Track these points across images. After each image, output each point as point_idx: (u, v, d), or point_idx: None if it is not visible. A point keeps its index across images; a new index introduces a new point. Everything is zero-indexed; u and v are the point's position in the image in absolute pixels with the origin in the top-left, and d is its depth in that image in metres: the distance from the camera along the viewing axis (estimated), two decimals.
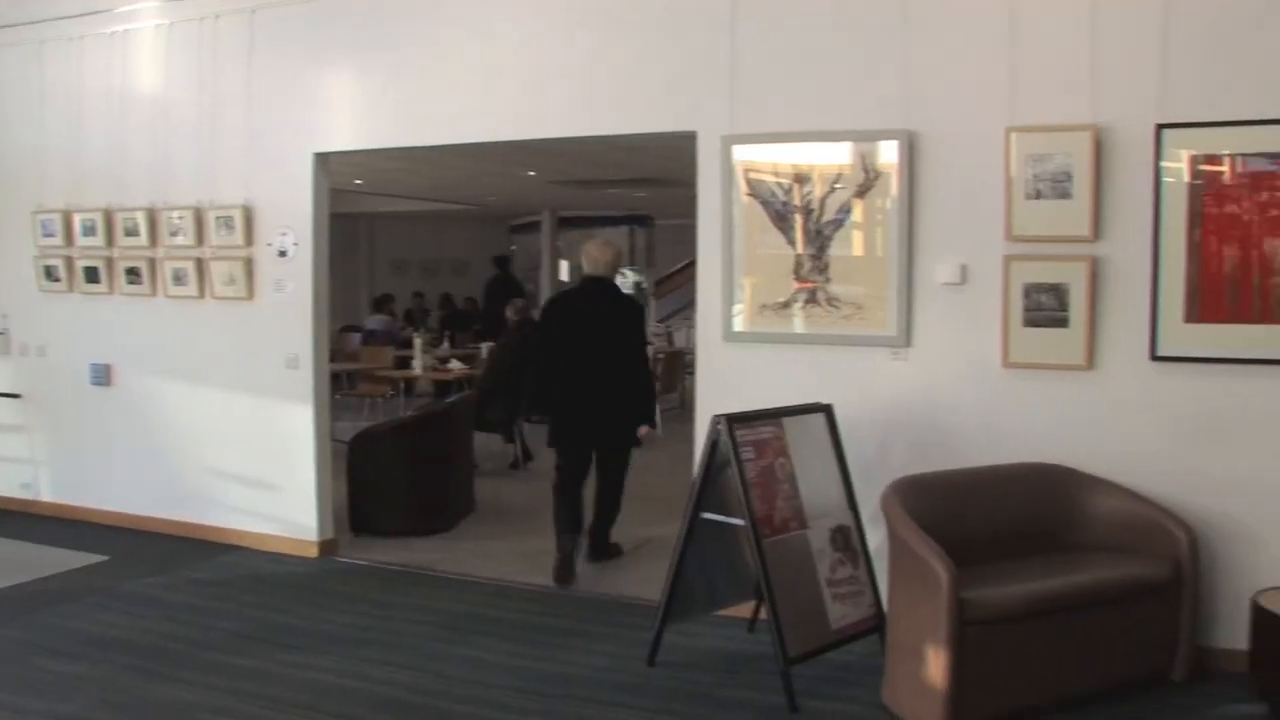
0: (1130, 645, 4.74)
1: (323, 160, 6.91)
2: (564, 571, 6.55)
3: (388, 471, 7.70)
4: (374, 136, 6.87)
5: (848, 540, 5.08)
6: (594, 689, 4.87)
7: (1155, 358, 5.10)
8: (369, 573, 6.76)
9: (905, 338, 5.45)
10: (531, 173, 13.35)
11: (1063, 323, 5.19)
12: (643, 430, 6.72)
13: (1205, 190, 5.02)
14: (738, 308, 5.74)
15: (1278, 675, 4.59)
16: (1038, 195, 5.19)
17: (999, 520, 4.97)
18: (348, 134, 6.87)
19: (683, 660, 5.17)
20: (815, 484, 5.05)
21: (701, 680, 4.97)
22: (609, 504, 6.92)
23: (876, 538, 5.08)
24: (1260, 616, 4.66)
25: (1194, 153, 5.02)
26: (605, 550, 6.97)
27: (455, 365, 11.88)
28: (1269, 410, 5.04)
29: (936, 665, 4.28)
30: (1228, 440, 5.10)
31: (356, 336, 15.88)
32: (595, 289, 6.78)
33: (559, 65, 6.16)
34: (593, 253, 6.83)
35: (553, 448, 6.86)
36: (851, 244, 5.55)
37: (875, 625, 5.06)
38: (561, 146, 8.93)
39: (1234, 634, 4.96)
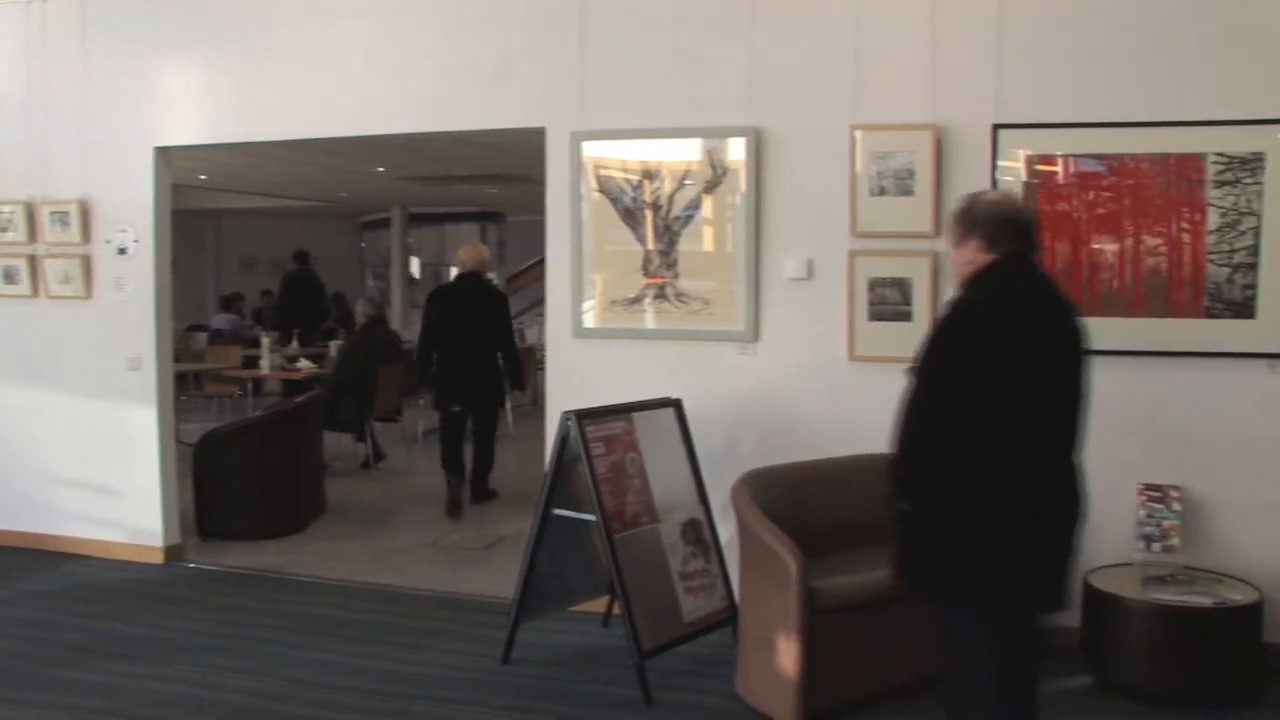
0: None
1: (164, 154, 6.71)
2: (453, 508, 8.17)
3: (236, 473, 7.53)
4: (217, 131, 6.69)
5: (699, 533, 5.13)
6: (448, 688, 4.84)
7: None
8: (217, 578, 6.59)
9: (753, 332, 5.52)
10: (380, 169, 13.17)
11: (906, 316, 5.32)
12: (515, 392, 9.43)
13: (1039, 189, 5.21)
14: (587, 304, 5.75)
15: (1104, 649, 4.84)
16: (881, 192, 5.32)
17: (847, 510, 5.06)
18: (190, 128, 6.67)
19: (537, 657, 5.17)
20: (666, 478, 5.09)
21: (556, 676, 4.98)
22: (484, 456, 8.53)
23: (727, 530, 5.14)
24: (1090, 594, 4.89)
25: (1029, 153, 5.22)
26: (484, 493, 8.49)
27: (304, 364, 11.65)
28: (1097, 398, 5.21)
29: (787, 654, 4.35)
30: None
31: (203, 336, 15.45)
32: (467, 283, 8.37)
33: (407, 60, 6.09)
34: (464, 254, 8.55)
35: (438, 408, 8.45)
36: (701, 240, 5.61)
37: (727, 617, 5.13)
38: (410, 142, 8.87)
39: (1068, 613, 5.13)
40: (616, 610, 5.04)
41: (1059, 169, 5.22)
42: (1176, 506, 5.12)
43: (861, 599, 4.46)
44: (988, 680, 3.23)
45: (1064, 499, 3.24)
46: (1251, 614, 4.71)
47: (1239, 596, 4.74)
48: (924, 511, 3.18)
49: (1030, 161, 5.22)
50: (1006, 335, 3.09)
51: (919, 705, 4.60)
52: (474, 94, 5.97)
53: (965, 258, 3.29)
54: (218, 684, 4.89)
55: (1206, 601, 4.68)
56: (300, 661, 5.15)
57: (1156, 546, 5.09)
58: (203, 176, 13.63)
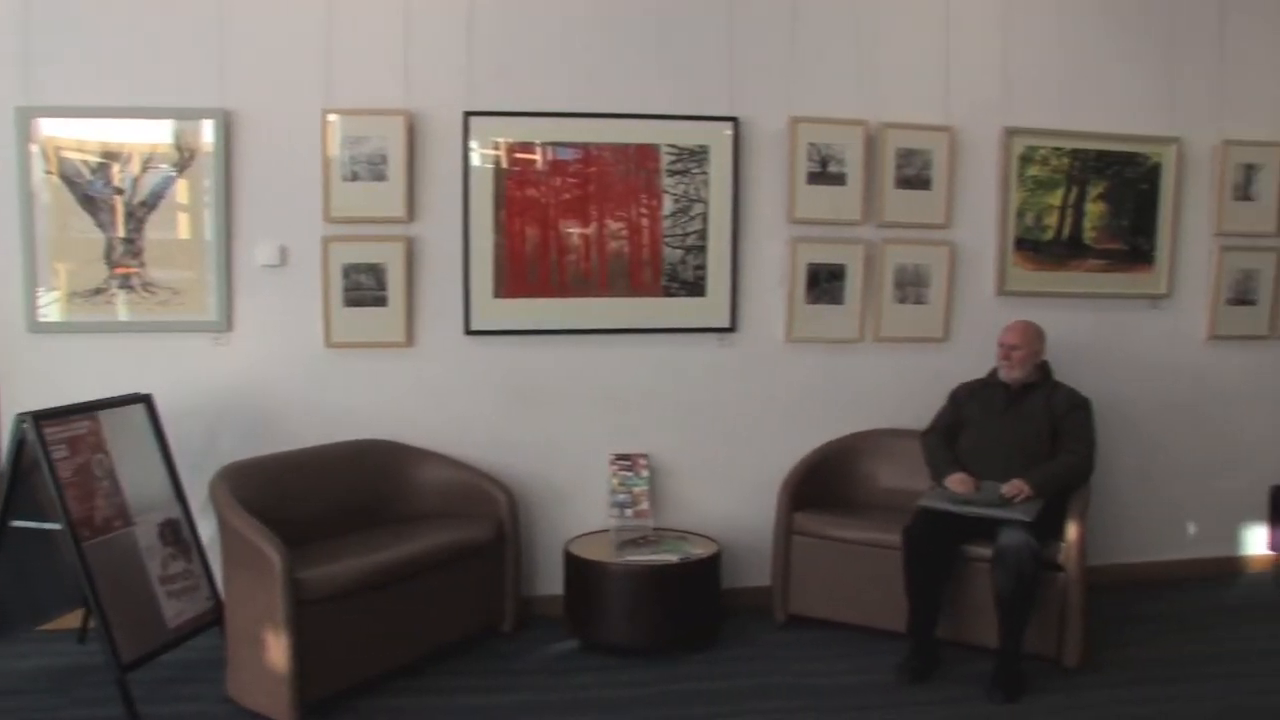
0: (463, 603, 5.06)
1: None
2: None
3: None
4: None
5: (178, 533, 4.93)
6: None
7: (469, 332, 5.45)
8: None
9: (226, 322, 5.34)
10: None
11: (382, 302, 5.37)
12: None
13: (509, 175, 5.41)
14: (46, 296, 5.32)
15: (586, 612, 5.13)
16: (355, 177, 5.31)
17: (330, 498, 5.07)
18: None
19: (4, 687, 4.75)
20: (139, 478, 4.83)
21: (29, 705, 4.57)
22: None
23: (210, 528, 4.97)
24: (570, 562, 5.18)
25: (500, 139, 5.41)
26: None
27: None
28: (568, 376, 5.59)
29: (277, 650, 4.28)
30: (536, 405, 5.56)
31: None
32: None
33: None
34: None
35: None
36: (170, 226, 5.33)
37: (214, 618, 4.96)
38: None
39: (552, 582, 5.44)
40: (93, 623, 4.74)
41: (533, 156, 5.44)
42: (645, 473, 5.53)
43: (350, 585, 4.47)
44: None
45: None
46: (711, 565, 5.18)
47: (701, 551, 5.20)
48: None
49: (509, 149, 5.42)
50: None
51: (418, 683, 4.72)
52: None
53: None
54: None
55: (674, 558, 5.08)
56: None
57: (629, 512, 5.46)
58: None
